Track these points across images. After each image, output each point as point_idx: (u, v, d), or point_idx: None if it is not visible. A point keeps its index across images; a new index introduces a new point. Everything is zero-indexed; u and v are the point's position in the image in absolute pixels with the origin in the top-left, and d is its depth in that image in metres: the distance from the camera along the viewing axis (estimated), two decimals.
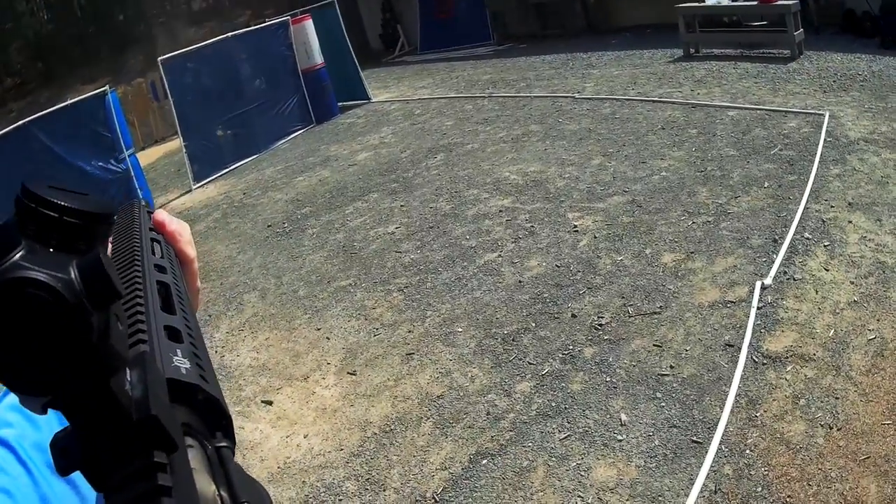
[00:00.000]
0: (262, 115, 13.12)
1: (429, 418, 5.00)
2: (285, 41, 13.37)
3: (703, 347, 4.84)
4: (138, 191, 11.65)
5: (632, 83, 10.99)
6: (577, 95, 11.01)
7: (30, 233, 0.42)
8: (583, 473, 4.13)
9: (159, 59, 12.02)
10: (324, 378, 5.92)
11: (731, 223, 6.32)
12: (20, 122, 10.91)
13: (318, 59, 13.65)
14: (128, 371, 0.43)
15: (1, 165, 10.62)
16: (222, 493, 0.46)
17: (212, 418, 0.51)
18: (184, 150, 12.22)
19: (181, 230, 0.88)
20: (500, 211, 7.76)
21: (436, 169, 9.58)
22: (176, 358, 0.52)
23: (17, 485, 0.80)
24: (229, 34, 12.85)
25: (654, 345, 4.99)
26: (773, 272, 5.40)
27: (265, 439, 5.37)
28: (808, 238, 5.84)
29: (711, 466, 3.88)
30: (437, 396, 5.18)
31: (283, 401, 5.78)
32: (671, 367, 4.73)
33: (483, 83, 13.45)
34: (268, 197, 10.68)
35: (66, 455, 0.43)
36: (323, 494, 4.63)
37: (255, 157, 12.87)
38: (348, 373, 5.87)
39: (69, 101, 11.47)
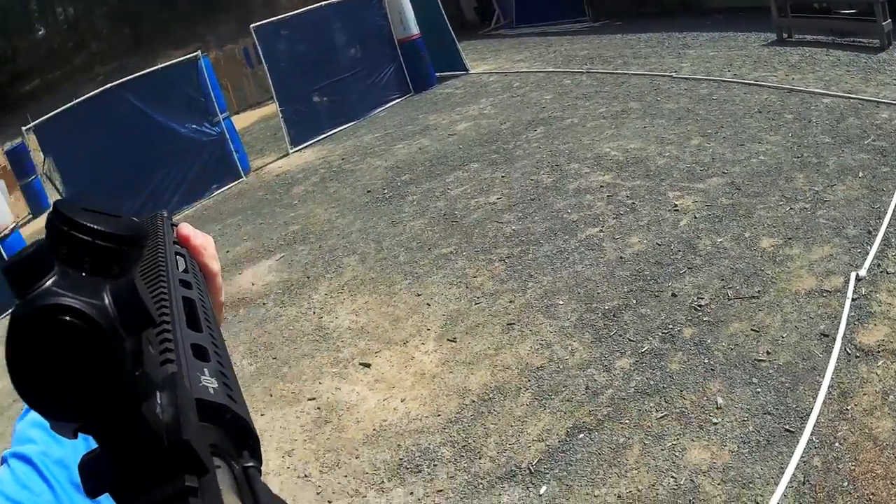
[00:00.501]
0: (358, 83, 13.22)
1: (528, 389, 4.95)
2: (380, 11, 13.40)
3: (798, 335, 4.66)
4: (234, 153, 11.89)
5: (727, 65, 10.64)
6: (674, 75, 10.71)
7: (62, 256, 0.42)
8: (677, 454, 4.05)
9: (251, 26, 12.16)
10: (423, 343, 5.91)
11: (827, 211, 6.07)
12: (109, 85, 11.20)
13: (414, 29, 13.63)
14: (158, 394, 0.43)
15: (90, 127, 10.96)
16: None
17: (239, 438, 0.50)
18: (280, 115, 12.39)
19: (206, 244, 0.86)
20: (601, 186, 7.61)
21: (536, 142, 9.45)
22: (203, 377, 0.51)
23: (39, 501, 0.80)
24: (323, 3, 12.90)
25: (752, 329, 4.85)
26: (867, 264, 5.17)
27: (362, 401, 5.41)
28: None
29: (802, 457, 3.77)
30: (537, 368, 5.12)
31: (382, 364, 5.80)
32: (767, 352, 4.59)
33: (580, 59, 13.22)
34: (367, 163, 10.74)
35: (95, 477, 0.42)
36: (418, 459, 4.64)
37: (352, 123, 12.99)
38: (448, 339, 5.85)
39: (161, 65, 11.71)
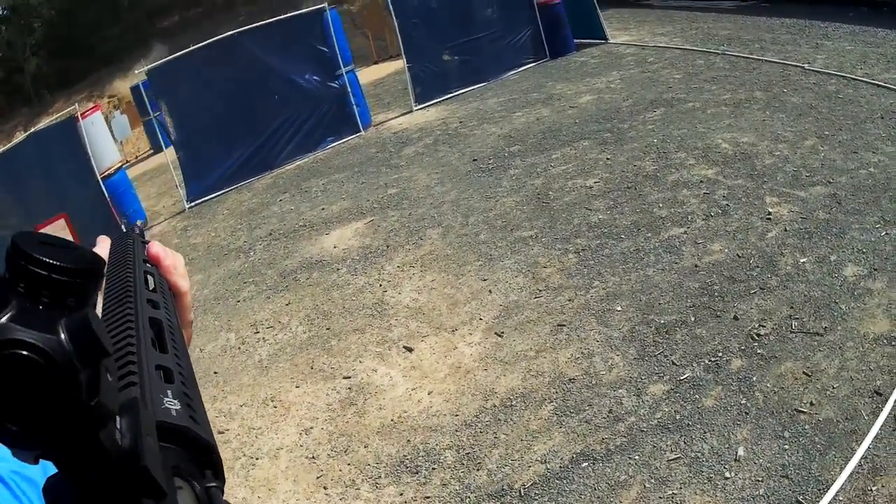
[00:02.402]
0: (492, 44, 12.82)
1: (552, 401, 4.65)
2: None
3: (850, 388, 4.07)
4: (354, 107, 11.88)
5: (861, 61, 9.55)
6: (806, 67, 9.73)
7: (20, 289, 0.42)
8: None
9: None
10: (471, 334, 5.70)
11: None
12: (231, 32, 11.34)
13: None
14: (118, 419, 0.43)
15: (208, 74, 11.15)
16: None
17: (202, 458, 0.50)
18: (406, 71, 12.25)
19: (175, 263, 0.86)
20: (701, 181, 7.02)
21: (652, 124, 8.87)
22: (167, 399, 0.51)
23: None
24: None
25: (804, 372, 4.28)
26: None
27: (392, 387, 5.27)
28: None
29: None
30: (569, 380, 4.80)
31: (424, 350, 5.64)
32: (811, 403, 4.03)
33: (719, 39, 12.26)
34: (482, 129, 10.46)
35: (58, 500, 0.43)
36: (420, 459, 4.48)
37: (481, 85, 12.67)
38: (496, 333, 5.61)
39: (285, 15, 11.75)
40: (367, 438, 4.78)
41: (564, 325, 5.43)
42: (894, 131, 7.16)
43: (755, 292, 5.17)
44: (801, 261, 5.37)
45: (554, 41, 13.26)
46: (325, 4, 11.79)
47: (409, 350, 5.68)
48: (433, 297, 6.40)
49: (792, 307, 4.90)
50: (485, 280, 6.41)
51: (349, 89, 11.89)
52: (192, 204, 11.42)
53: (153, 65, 11.60)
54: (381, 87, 14.56)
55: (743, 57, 10.91)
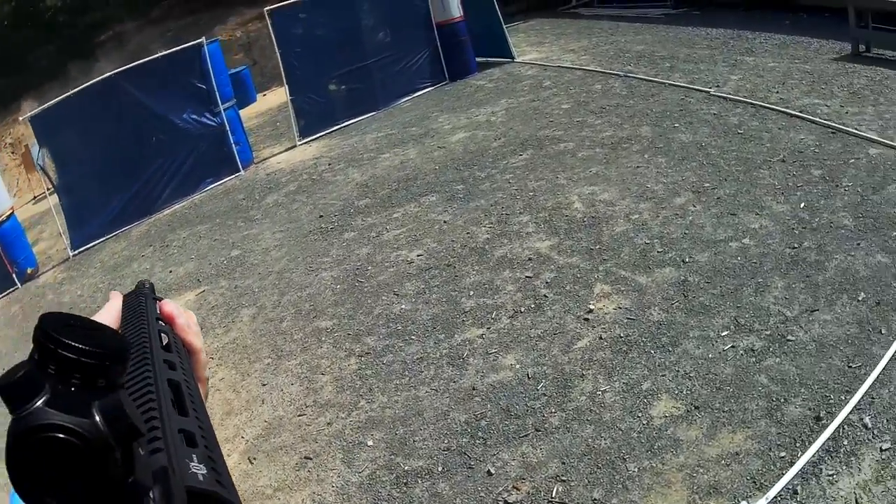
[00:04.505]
0: (384, 69, 12.03)
1: None
2: None
3: None
4: (233, 146, 11.17)
5: (780, 83, 8.74)
6: (712, 91, 8.96)
7: (51, 371, 0.44)
8: None
9: (266, 9, 11.26)
10: (229, 454, 5.02)
11: (778, 362, 4.37)
12: (108, 74, 10.67)
13: (456, 11, 12.23)
14: (150, 491, 0.45)
15: (87, 117, 10.48)
16: None
17: None
18: (290, 104, 11.52)
19: (189, 321, 0.85)
20: (530, 259, 6.27)
21: (512, 172, 8.13)
22: (193, 464, 0.52)
23: None
24: None
25: None
26: (774, 491, 3.54)
27: None
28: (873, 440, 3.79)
29: None
30: None
31: None
32: None
33: (630, 56, 11.45)
34: (345, 174, 9.74)
35: None
36: None
37: (371, 114, 11.90)
38: (249, 458, 4.97)
39: (161, 53, 11.07)
40: None
41: (311, 459, 4.74)
42: (794, 181, 6.35)
43: (527, 435, 4.39)
44: (602, 389, 4.55)
45: (454, 63, 12.47)
46: (203, 39, 11.08)
47: None
48: (214, 401, 5.69)
49: (564, 463, 4.08)
50: (264, 385, 5.74)
51: (227, 127, 11.18)
52: (76, 252, 10.74)
53: (33, 112, 10.93)
54: (275, 118, 13.83)
55: (646, 80, 10.17)
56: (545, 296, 5.72)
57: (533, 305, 5.64)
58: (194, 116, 11.01)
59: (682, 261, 5.68)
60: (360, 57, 11.81)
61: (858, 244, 5.37)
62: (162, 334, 0.78)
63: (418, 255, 6.91)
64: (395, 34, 12.09)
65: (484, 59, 12.87)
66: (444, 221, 7.42)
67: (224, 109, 11.09)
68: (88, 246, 10.78)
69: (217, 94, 10.99)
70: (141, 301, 0.84)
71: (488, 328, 5.54)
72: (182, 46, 10.97)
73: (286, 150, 11.67)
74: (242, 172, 11.25)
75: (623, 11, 14.65)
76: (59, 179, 10.81)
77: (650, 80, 10.04)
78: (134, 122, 10.68)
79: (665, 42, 11.93)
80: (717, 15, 12.58)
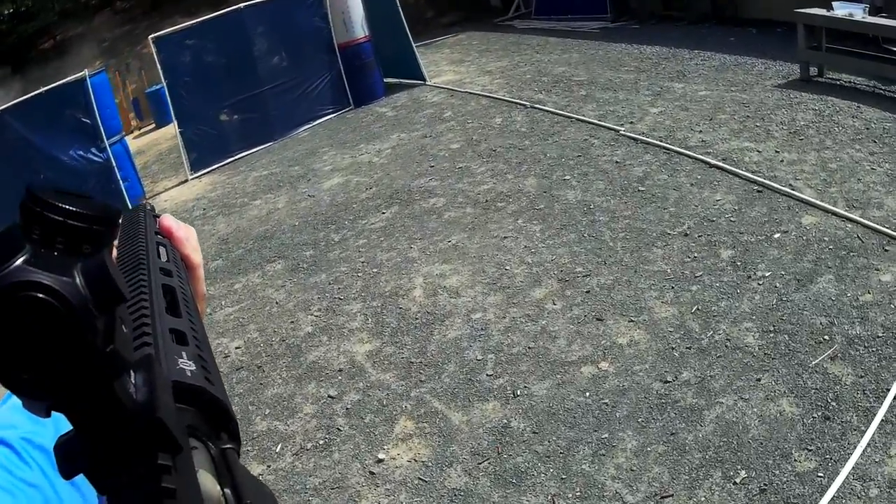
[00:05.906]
0: (280, 96, 11.29)
1: None
2: (319, 11, 11.28)
3: None
4: (120, 182, 10.55)
5: (707, 118, 7.86)
6: (622, 130, 8.15)
7: (35, 237, 0.41)
8: None
9: (150, 37, 10.58)
10: None
11: None
12: None
13: (360, 32, 11.48)
14: (132, 374, 0.42)
15: None
16: (227, 493, 0.46)
17: (217, 420, 0.50)
18: (178, 136, 10.87)
19: (188, 235, 0.84)
20: (341, 370, 5.43)
21: (366, 237, 7.45)
22: (181, 360, 0.51)
23: (20, 486, 0.77)
24: (242, 4, 10.97)
25: None
26: None
27: None
28: None
29: None
30: None
31: None
32: None
33: (546, 81, 10.67)
34: (213, 224, 9.06)
35: (69, 458, 0.42)
36: None
37: (266, 145, 11.21)
38: None
39: (45, 88, 10.41)
40: None
41: None
42: (692, 267, 5.40)
43: None
44: None
45: (359, 87, 11.72)
46: (86, 72, 10.40)
47: None
48: None
49: None
50: None
51: (114, 163, 10.54)
52: None
53: None
54: (170, 153, 13.05)
55: (551, 114, 9.41)
56: (339, 429, 4.97)
57: (322, 442, 4.89)
58: (80, 152, 10.36)
59: (514, 393, 4.75)
60: (254, 84, 11.09)
61: (759, 380, 4.27)
62: (160, 248, 0.76)
63: (236, 348, 6.27)
64: (293, 58, 11.34)
65: (397, 80, 12.17)
66: (277, 302, 6.77)
67: (110, 144, 10.44)
68: None
69: (102, 128, 10.36)
70: (140, 216, 0.82)
71: (268, 466, 4.86)
72: (63, 81, 10.31)
73: (179, 183, 11.03)
74: None
75: (558, 25, 13.89)
76: None
77: (556, 114, 9.28)
78: (20, 162, 10.07)
79: (590, 63, 11.15)
80: (656, 30, 11.80)
